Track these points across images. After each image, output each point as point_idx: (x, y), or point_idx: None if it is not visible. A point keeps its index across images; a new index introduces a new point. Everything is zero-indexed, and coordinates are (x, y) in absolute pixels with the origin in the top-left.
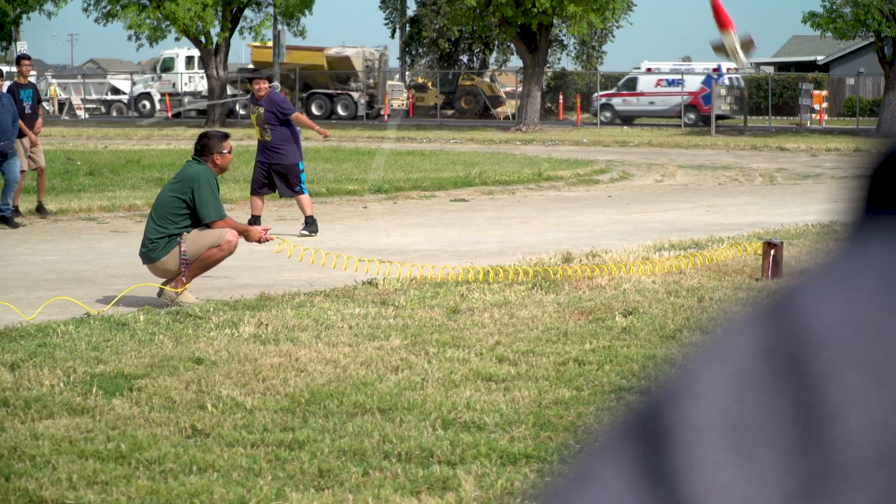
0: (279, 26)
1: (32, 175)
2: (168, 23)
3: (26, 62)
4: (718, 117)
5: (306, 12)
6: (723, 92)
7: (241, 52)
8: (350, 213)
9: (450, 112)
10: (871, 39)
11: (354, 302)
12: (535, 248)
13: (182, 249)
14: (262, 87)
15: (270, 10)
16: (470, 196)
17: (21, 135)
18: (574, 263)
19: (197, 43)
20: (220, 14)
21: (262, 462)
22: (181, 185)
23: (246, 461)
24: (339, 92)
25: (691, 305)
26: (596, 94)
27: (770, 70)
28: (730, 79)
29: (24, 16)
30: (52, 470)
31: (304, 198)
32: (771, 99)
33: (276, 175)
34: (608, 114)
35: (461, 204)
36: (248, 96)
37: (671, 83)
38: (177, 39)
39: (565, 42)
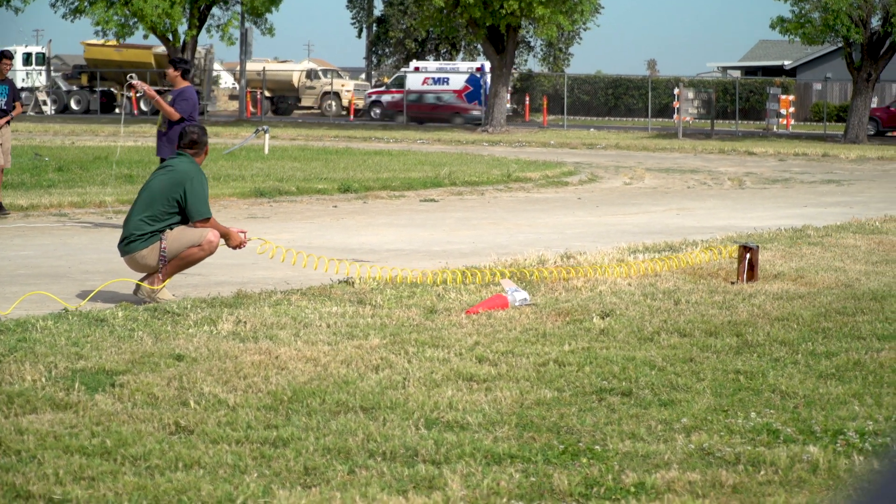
0: (246, 24)
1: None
2: (136, 20)
3: (7, 61)
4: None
5: (273, 10)
6: (690, 95)
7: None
8: (320, 212)
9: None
10: (840, 45)
11: (332, 301)
12: (508, 250)
13: (162, 246)
14: (170, 73)
15: (238, 7)
16: (440, 196)
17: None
18: (549, 265)
19: (164, 40)
20: (187, 11)
21: (247, 459)
22: (173, 184)
23: (231, 458)
24: (164, 89)
25: (668, 308)
26: (368, 91)
27: (737, 74)
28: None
29: None
30: (39, 465)
31: None
32: (738, 103)
33: None
34: (378, 110)
35: (431, 204)
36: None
37: (437, 81)
38: (145, 37)
39: (532, 44)
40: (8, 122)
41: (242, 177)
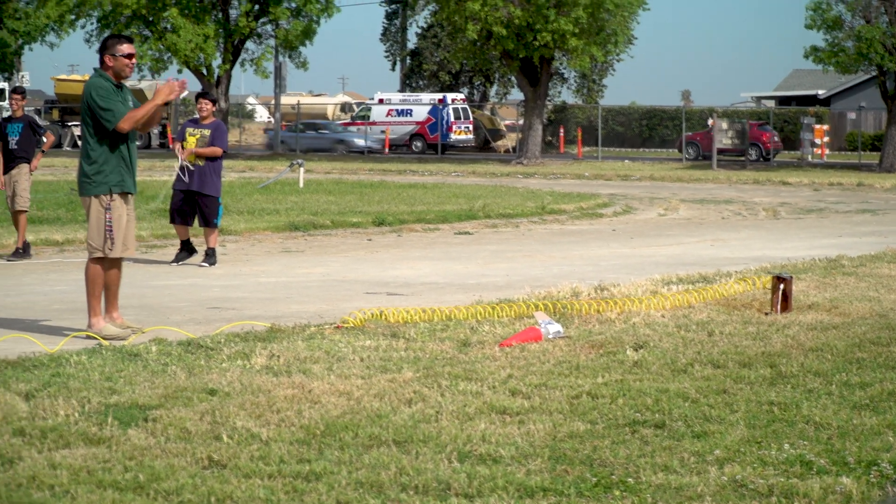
0: (280, 58)
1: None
2: (170, 55)
3: (15, 96)
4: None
5: (307, 44)
6: (724, 126)
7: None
8: (354, 245)
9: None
10: (874, 73)
11: (365, 334)
12: (542, 282)
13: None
14: (208, 108)
15: (272, 41)
16: (474, 229)
17: (8, 169)
18: (583, 297)
19: (198, 75)
20: (221, 46)
21: (279, 493)
22: None
23: (264, 492)
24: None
25: (701, 339)
26: (338, 123)
27: (771, 104)
28: (455, 109)
29: (26, 47)
30: (72, 500)
31: (215, 231)
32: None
33: (198, 204)
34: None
35: (465, 237)
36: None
37: (400, 113)
38: (179, 71)
39: (566, 75)
40: (22, 160)
41: (277, 211)
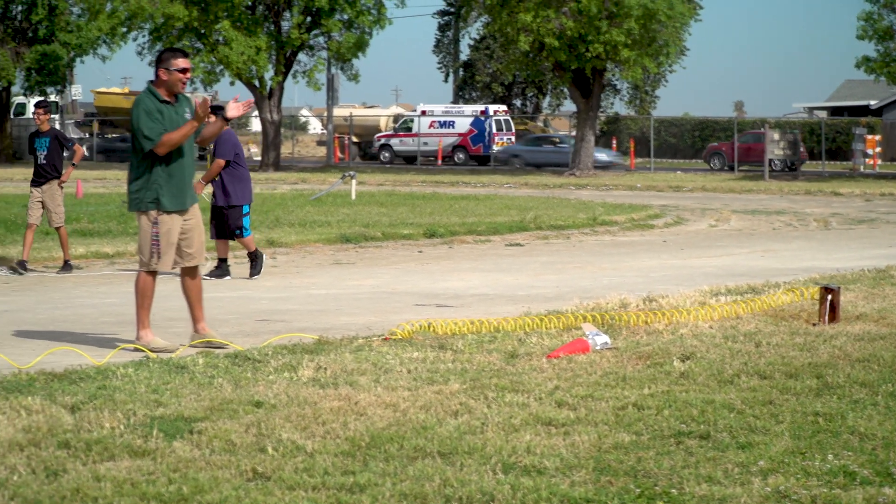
0: (333, 70)
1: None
2: (222, 67)
3: (38, 111)
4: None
5: (359, 55)
6: (776, 137)
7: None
8: (405, 257)
9: None
10: None
11: (413, 346)
12: (592, 293)
13: None
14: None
15: (324, 53)
16: (525, 241)
17: (38, 183)
18: (631, 308)
19: (251, 87)
20: (273, 58)
21: None
22: None
23: None
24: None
25: (749, 350)
26: (377, 136)
27: (823, 115)
28: (497, 120)
29: (78, 59)
30: None
31: (248, 238)
32: (824, 144)
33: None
34: (387, 153)
35: (516, 249)
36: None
37: (443, 125)
38: (231, 83)
39: (618, 86)
40: (52, 176)
41: (328, 223)
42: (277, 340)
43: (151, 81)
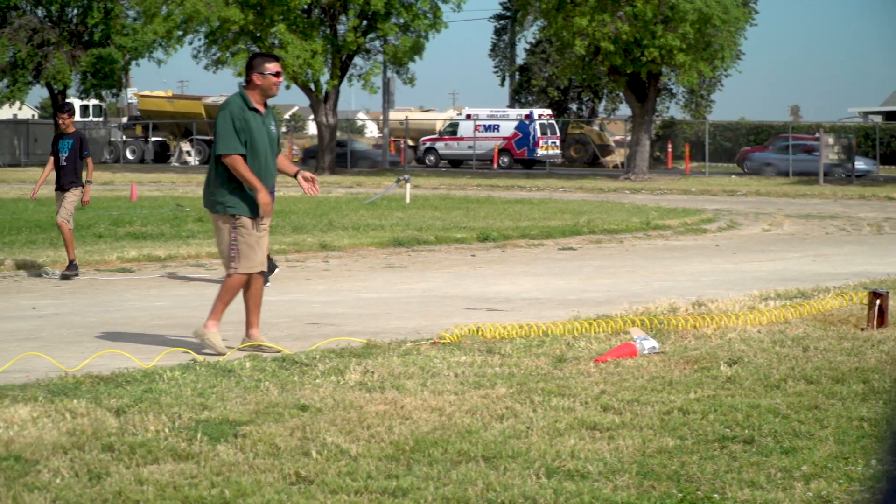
0: (388, 73)
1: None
2: None
3: (62, 115)
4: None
5: (415, 59)
6: (830, 141)
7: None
8: (458, 261)
9: (559, 160)
10: None
11: (461, 350)
12: (642, 298)
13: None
14: None
15: (380, 57)
16: (578, 245)
17: (62, 187)
18: (680, 313)
19: (306, 90)
20: (329, 62)
21: None
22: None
23: None
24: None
25: (796, 355)
26: (423, 139)
27: (878, 119)
28: (541, 124)
29: (134, 62)
30: None
31: None
32: (879, 148)
33: None
34: (432, 157)
35: (569, 252)
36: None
37: (488, 128)
38: (287, 87)
39: (674, 91)
40: (72, 183)
41: (382, 226)
42: (326, 344)
43: (243, 86)
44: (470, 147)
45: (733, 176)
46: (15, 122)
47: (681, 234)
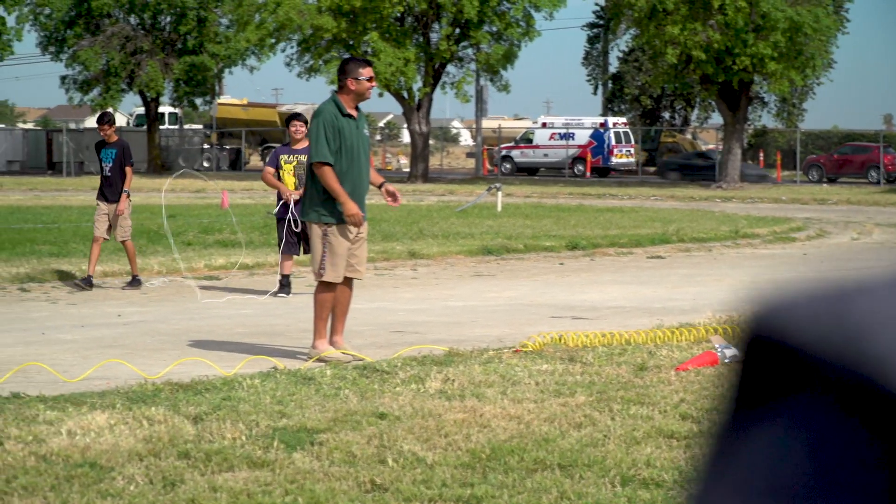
0: (481, 82)
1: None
2: None
3: (102, 126)
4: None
5: (508, 67)
6: None
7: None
8: (546, 269)
9: (652, 169)
10: None
11: (542, 358)
12: (727, 306)
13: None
14: (303, 130)
15: (473, 65)
16: (667, 253)
17: (105, 197)
18: None
19: (399, 98)
20: (422, 69)
21: None
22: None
23: None
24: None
25: None
26: (498, 147)
27: None
28: (616, 132)
29: (227, 70)
30: None
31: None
32: None
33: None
34: (508, 165)
35: (657, 261)
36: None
37: (563, 137)
38: (380, 95)
39: (766, 99)
40: (116, 190)
41: (472, 234)
42: (408, 352)
43: (336, 92)
44: (545, 155)
45: (824, 185)
46: None
47: (769, 242)
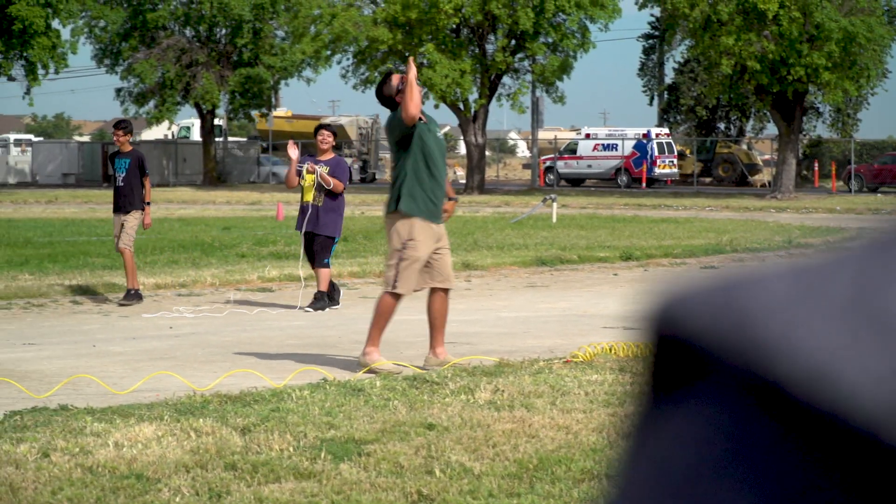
0: (537, 93)
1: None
2: (426, 89)
3: (117, 132)
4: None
5: (564, 78)
6: None
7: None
8: (599, 280)
9: (707, 179)
10: None
11: (592, 369)
12: None
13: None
14: (329, 140)
15: (528, 77)
16: (720, 263)
17: (119, 209)
18: None
19: (455, 109)
20: (478, 81)
21: None
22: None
23: None
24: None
25: None
26: (542, 158)
27: None
28: (659, 143)
29: (283, 82)
30: None
31: (327, 271)
32: None
33: (315, 244)
34: (552, 176)
35: (710, 271)
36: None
37: (606, 147)
38: (436, 106)
39: (820, 110)
40: (130, 206)
41: (526, 245)
42: (458, 363)
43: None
44: (589, 166)
45: (879, 195)
46: (164, 143)
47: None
